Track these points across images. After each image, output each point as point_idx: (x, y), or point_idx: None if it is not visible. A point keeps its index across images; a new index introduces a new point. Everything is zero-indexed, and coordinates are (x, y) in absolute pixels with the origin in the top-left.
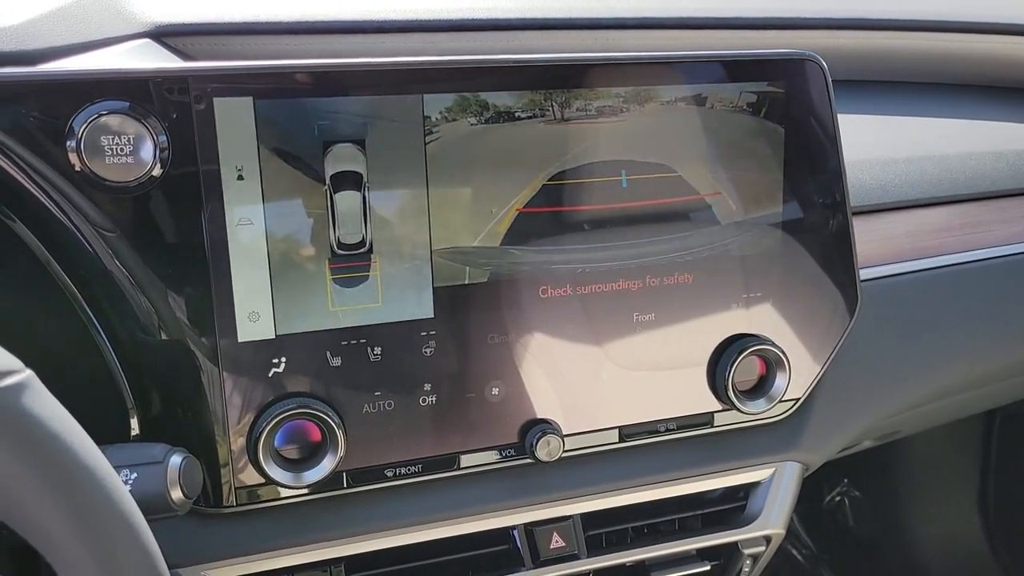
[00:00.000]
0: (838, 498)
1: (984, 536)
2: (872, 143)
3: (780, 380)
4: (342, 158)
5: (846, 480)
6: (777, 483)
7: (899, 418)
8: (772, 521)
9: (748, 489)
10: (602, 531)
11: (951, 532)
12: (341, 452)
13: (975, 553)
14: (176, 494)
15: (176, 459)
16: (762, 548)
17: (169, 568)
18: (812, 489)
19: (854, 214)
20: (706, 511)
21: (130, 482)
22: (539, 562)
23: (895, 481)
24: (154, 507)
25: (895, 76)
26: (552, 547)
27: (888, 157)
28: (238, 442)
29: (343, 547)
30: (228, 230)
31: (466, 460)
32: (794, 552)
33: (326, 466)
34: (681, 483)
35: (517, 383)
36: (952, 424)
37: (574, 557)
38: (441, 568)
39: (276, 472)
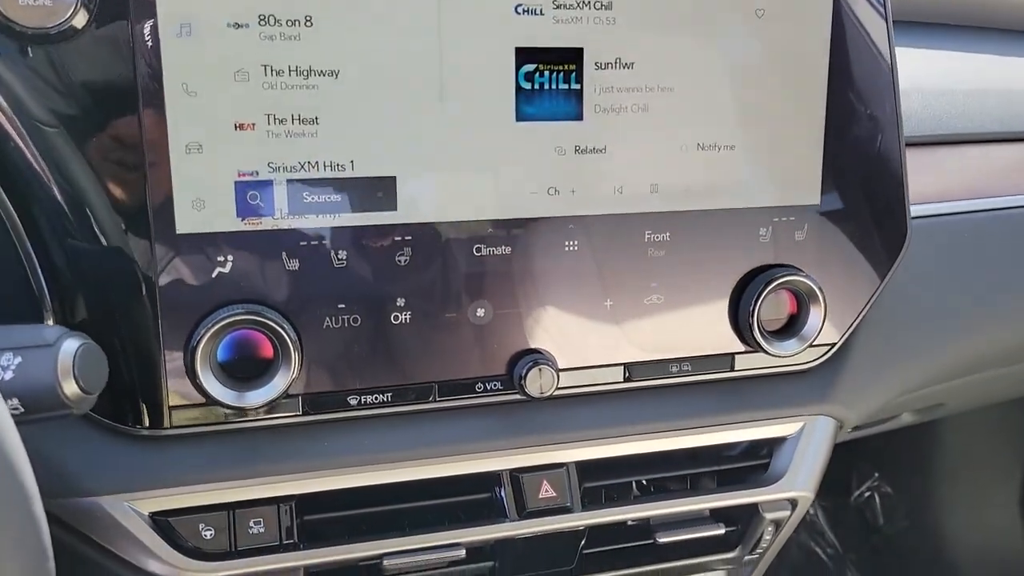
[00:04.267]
0: (868, 494)
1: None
2: (929, 73)
3: (814, 317)
4: None
5: (877, 475)
6: (807, 440)
7: (944, 388)
8: (799, 482)
9: (773, 445)
10: (600, 483)
11: (989, 535)
12: (295, 371)
13: (1015, 559)
14: (69, 387)
15: (71, 344)
16: (786, 513)
17: (86, 496)
18: (840, 483)
19: (907, 145)
20: (723, 468)
21: (11, 368)
22: (525, 513)
23: (931, 478)
24: (42, 401)
25: (954, 20)
26: (541, 497)
27: (947, 87)
28: (173, 353)
29: (295, 484)
30: (167, 97)
31: (444, 392)
32: (817, 550)
33: (277, 385)
34: (694, 434)
35: (507, 305)
36: (996, 416)
37: (566, 510)
38: (411, 516)
39: (216, 388)
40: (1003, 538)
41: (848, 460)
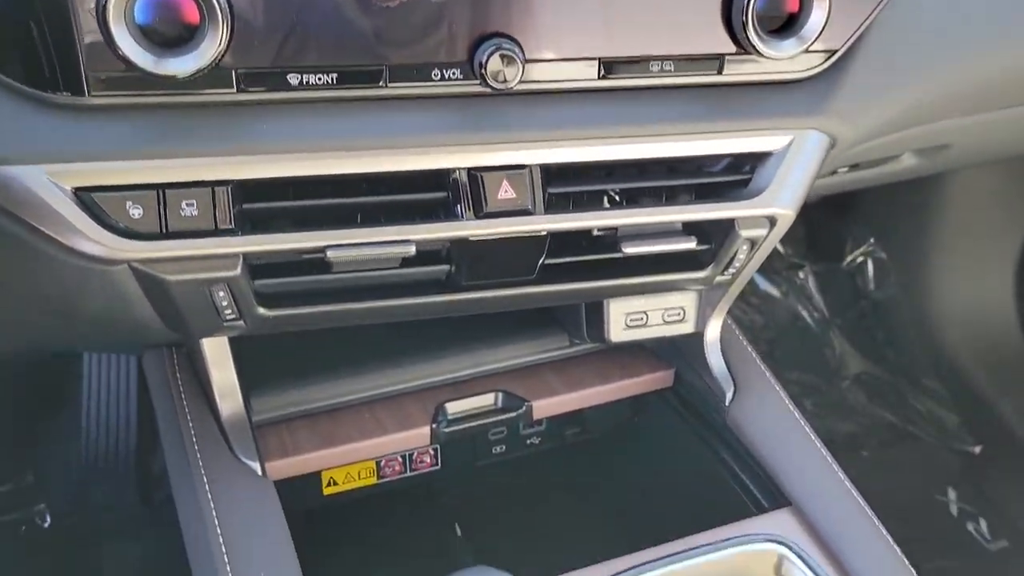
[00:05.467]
0: (861, 259)
1: (1016, 308)
2: None
3: (817, 14)
4: None
5: (872, 240)
6: (794, 155)
7: (949, 126)
8: (781, 199)
9: (756, 161)
10: (566, 189)
11: (980, 306)
12: (223, 39)
13: (1001, 325)
14: None
15: None
16: (763, 231)
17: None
18: (834, 249)
19: None
20: (701, 182)
21: None
22: (483, 214)
23: (927, 245)
24: None
25: None
26: (500, 198)
27: None
28: (86, 6)
29: (230, 168)
30: None
31: (395, 76)
32: (804, 313)
33: (204, 53)
34: (673, 141)
35: None
36: (999, 185)
37: (526, 212)
38: (358, 211)
39: (133, 50)
40: (993, 311)
41: (845, 225)
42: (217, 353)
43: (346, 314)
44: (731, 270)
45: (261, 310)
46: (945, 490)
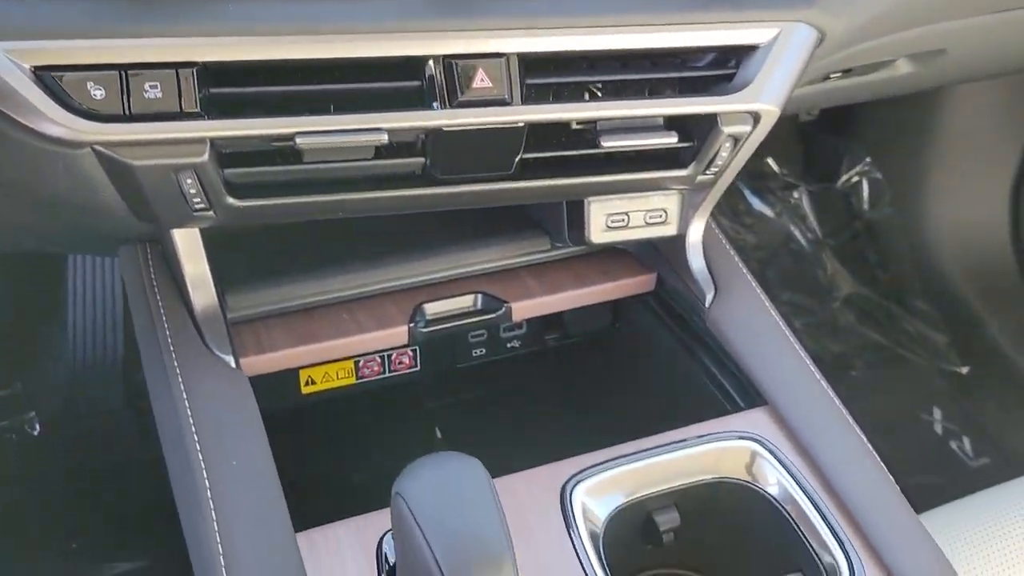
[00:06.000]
0: (856, 178)
1: (1010, 230)
2: None
3: None
4: None
5: (868, 159)
6: (781, 48)
7: (944, 29)
8: (765, 94)
9: (742, 54)
10: (546, 80)
11: (973, 224)
12: None
13: (995, 247)
14: None
15: None
16: (747, 128)
17: None
18: (830, 168)
19: None
20: (684, 75)
21: None
22: (457, 103)
23: (923, 165)
24: None
25: None
26: (475, 87)
27: None
28: None
29: (194, 49)
30: None
31: None
32: (797, 233)
33: None
34: (657, 30)
35: None
36: (998, 104)
37: (502, 103)
38: (330, 101)
39: None
40: (987, 233)
41: (842, 144)
42: (189, 245)
43: (319, 206)
44: (713, 168)
45: (231, 200)
46: (931, 409)
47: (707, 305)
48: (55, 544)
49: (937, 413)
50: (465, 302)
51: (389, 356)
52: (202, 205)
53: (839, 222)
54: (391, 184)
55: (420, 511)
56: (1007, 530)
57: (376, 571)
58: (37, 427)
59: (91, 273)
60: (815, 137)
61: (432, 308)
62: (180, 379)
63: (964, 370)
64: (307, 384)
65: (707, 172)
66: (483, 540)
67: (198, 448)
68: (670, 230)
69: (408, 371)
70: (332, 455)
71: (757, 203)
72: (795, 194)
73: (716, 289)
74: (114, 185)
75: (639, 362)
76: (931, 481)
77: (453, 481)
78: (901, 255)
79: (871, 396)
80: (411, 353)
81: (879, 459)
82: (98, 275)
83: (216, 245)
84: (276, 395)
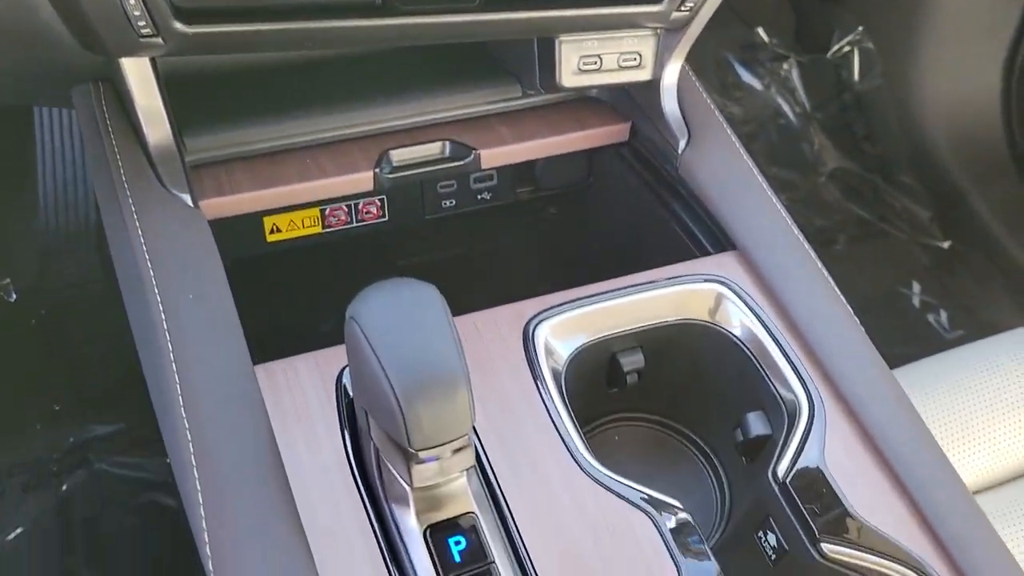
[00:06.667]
0: (847, 48)
1: (1000, 102)
2: None
3: None
4: None
5: (861, 29)
6: None
7: None
8: None
9: None
10: None
11: (964, 97)
12: None
13: (984, 120)
14: None
15: None
16: None
17: None
18: (821, 38)
19: None
20: None
21: None
22: None
23: (916, 37)
24: None
25: None
26: None
27: None
28: None
29: None
30: None
31: None
32: (785, 107)
33: None
34: None
35: None
36: None
37: None
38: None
39: None
40: (977, 106)
41: (834, 13)
42: (140, 75)
43: (274, 36)
44: (689, 4)
45: (179, 25)
46: (910, 284)
47: (680, 151)
48: (39, 406)
49: (916, 287)
50: (433, 149)
51: (356, 205)
52: (148, 30)
53: (828, 94)
54: (350, 13)
55: (373, 333)
56: (976, 383)
57: (335, 403)
58: (14, 295)
59: (59, 137)
60: (807, 6)
61: (399, 154)
62: (135, 216)
63: (945, 244)
64: (272, 232)
65: (682, 8)
66: (438, 361)
67: (154, 283)
68: (644, 75)
69: (376, 221)
70: (299, 304)
71: (746, 75)
72: (785, 66)
73: (690, 135)
74: (52, 4)
75: (610, 212)
76: (906, 352)
77: (408, 304)
78: (889, 128)
79: (853, 270)
80: (378, 202)
81: (847, 304)
82: (68, 145)
83: (176, 89)
84: (241, 242)
